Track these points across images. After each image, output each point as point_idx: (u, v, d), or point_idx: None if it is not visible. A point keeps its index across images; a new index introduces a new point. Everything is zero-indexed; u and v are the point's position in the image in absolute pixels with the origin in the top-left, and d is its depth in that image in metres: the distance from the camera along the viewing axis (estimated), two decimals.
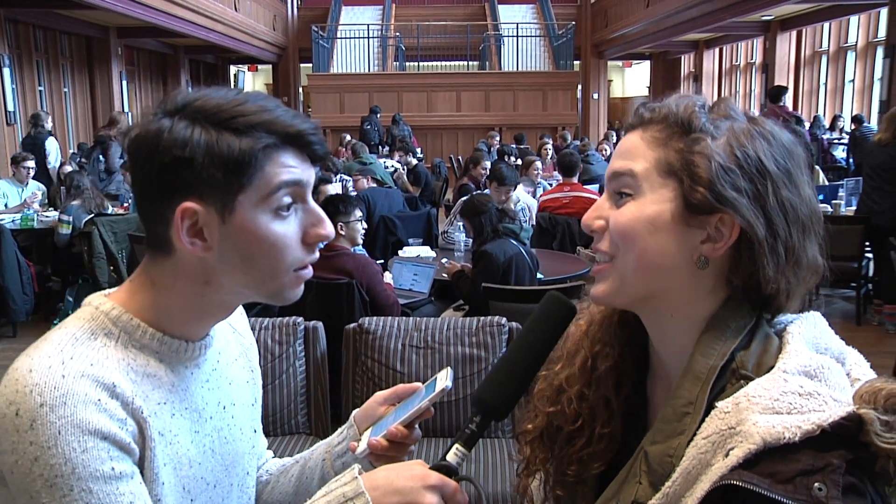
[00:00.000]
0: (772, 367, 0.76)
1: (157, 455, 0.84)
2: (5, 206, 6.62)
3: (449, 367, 0.98)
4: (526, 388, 0.89)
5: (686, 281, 0.82)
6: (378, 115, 13.29)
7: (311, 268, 0.89)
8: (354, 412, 1.06)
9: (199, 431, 0.92)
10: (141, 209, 0.86)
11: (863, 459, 0.68)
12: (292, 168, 0.84)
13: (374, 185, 6.74)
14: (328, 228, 0.88)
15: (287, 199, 0.85)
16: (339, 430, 1.09)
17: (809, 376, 0.73)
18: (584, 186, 6.20)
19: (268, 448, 1.20)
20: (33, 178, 6.89)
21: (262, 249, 0.84)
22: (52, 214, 6.26)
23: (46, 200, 6.95)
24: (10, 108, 9.61)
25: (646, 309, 0.86)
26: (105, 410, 0.78)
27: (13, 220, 6.08)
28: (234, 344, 1.05)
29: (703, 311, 0.82)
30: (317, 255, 0.89)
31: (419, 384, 0.99)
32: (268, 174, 0.83)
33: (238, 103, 0.83)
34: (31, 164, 6.82)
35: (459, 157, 12.61)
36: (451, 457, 0.84)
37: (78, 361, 0.80)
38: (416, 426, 0.98)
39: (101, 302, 0.88)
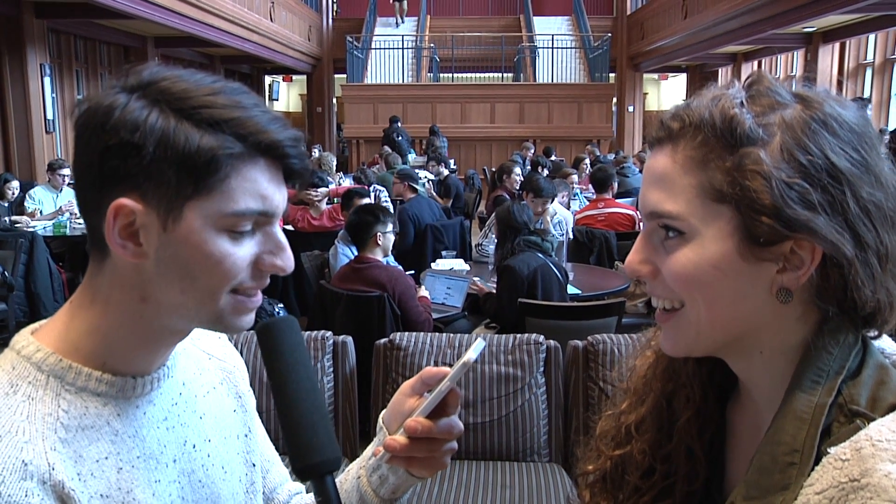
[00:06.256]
0: (894, 405, 0.63)
1: None
2: (40, 212, 6.66)
3: (481, 337, 0.81)
4: (325, 416, 0.75)
5: (770, 317, 0.68)
6: (400, 125, 13.28)
7: (259, 296, 0.76)
8: (382, 414, 0.89)
9: (160, 480, 0.78)
10: (78, 195, 0.73)
11: None
12: (264, 190, 0.71)
13: (412, 194, 6.63)
14: (287, 261, 0.75)
15: (248, 227, 0.72)
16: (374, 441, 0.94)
17: None
18: (619, 201, 6.13)
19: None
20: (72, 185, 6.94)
21: (204, 266, 0.71)
22: None
23: None
24: (50, 116, 9.76)
25: (728, 352, 0.73)
26: (8, 498, 0.65)
27: (45, 228, 6.10)
28: (211, 372, 0.91)
29: (795, 338, 0.69)
30: (265, 283, 0.76)
31: (447, 368, 0.82)
32: (232, 191, 0.70)
33: (209, 92, 0.70)
34: (66, 171, 6.86)
35: (493, 169, 12.51)
36: None
37: None
38: (455, 416, 0.81)
39: (24, 344, 0.74)
